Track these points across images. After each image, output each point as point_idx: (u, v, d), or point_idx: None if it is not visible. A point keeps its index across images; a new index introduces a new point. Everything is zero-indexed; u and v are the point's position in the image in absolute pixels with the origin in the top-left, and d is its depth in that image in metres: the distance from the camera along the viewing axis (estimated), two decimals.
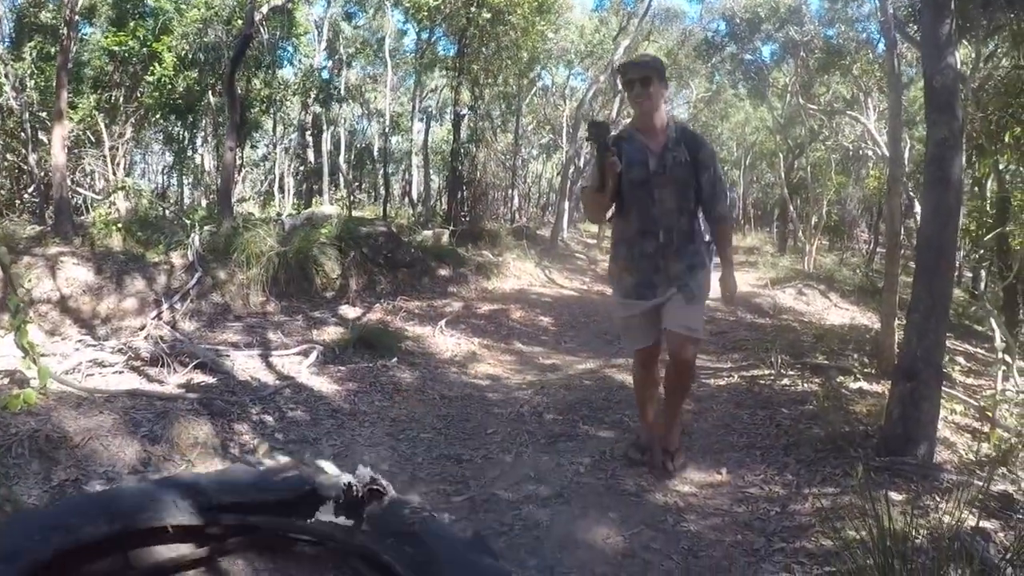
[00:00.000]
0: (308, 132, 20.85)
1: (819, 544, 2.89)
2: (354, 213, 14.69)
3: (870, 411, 4.56)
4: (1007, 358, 5.36)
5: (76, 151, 12.20)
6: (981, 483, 3.40)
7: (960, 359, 6.95)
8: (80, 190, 11.52)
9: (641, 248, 3.59)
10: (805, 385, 5.33)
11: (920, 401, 3.74)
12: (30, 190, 11.98)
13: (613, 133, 3.68)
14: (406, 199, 23.46)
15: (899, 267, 6.60)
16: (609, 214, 3.72)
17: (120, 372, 5.00)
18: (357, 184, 26.00)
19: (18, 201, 12.03)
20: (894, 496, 3.21)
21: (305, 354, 5.77)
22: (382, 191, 19.46)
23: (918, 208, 6.95)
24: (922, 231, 4.05)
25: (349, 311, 7.68)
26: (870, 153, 16.25)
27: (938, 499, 3.25)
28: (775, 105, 20.55)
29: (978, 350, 7.84)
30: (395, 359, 5.84)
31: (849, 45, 15.35)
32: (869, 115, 15.27)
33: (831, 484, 3.48)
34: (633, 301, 3.64)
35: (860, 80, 15.53)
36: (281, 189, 20.84)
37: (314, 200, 18.80)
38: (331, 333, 6.68)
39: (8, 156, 12.05)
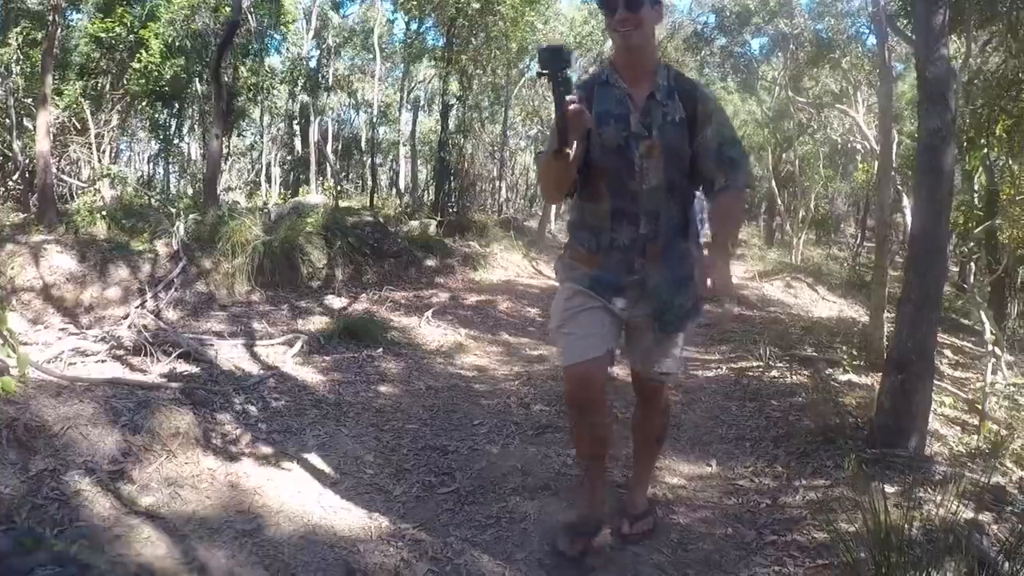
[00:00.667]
0: (295, 121, 20.73)
1: (811, 537, 2.85)
2: (341, 203, 14.58)
3: (860, 403, 4.53)
4: (997, 351, 5.36)
5: (61, 138, 12.07)
6: (974, 475, 3.39)
7: (947, 352, 6.95)
8: (65, 177, 11.39)
9: (613, 238, 2.56)
10: (794, 377, 5.30)
11: (911, 393, 3.72)
12: (14, 177, 11.83)
13: (586, 76, 2.66)
14: (393, 189, 23.36)
15: (888, 260, 6.59)
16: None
17: (103, 361, 4.91)
18: (344, 174, 25.88)
19: (2, 188, 11.88)
20: (886, 488, 3.18)
21: (290, 344, 5.69)
22: (369, 182, 19.34)
23: (906, 202, 6.95)
24: (915, 222, 4.03)
25: (335, 301, 7.60)
26: (858, 147, 16.27)
27: (930, 491, 3.22)
28: (764, 99, 20.54)
29: (965, 343, 7.85)
30: (381, 349, 5.77)
31: (839, 39, 15.34)
32: (858, 108, 15.27)
33: (822, 476, 3.45)
34: (585, 290, 2.60)
35: (849, 74, 15.53)
36: (268, 179, 20.72)
37: (301, 190, 18.68)
38: (316, 323, 6.60)
39: None
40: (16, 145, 10.98)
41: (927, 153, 3.80)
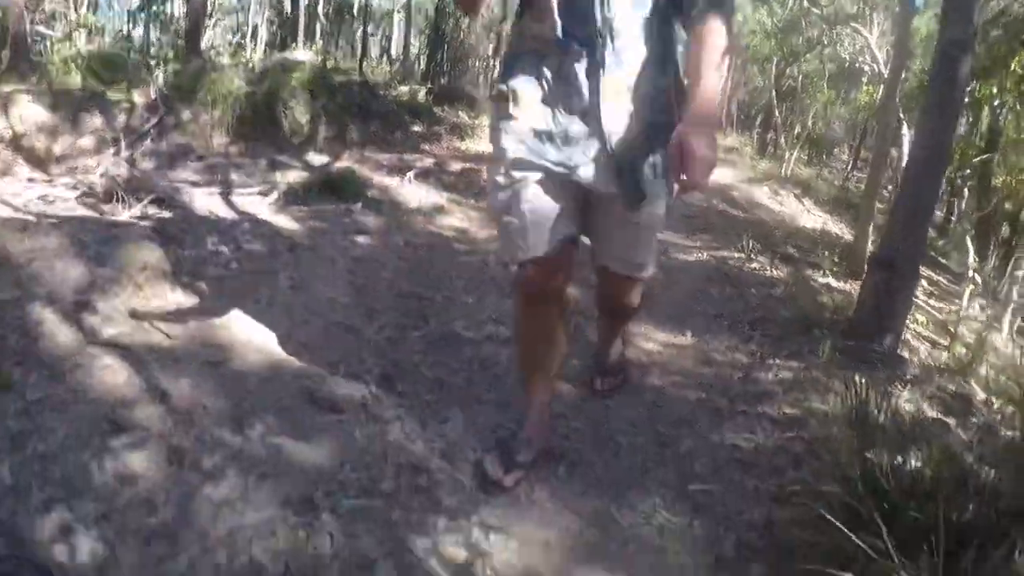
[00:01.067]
0: None
1: (782, 412, 2.87)
2: (329, 65, 14.10)
3: (838, 305, 4.53)
4: (977, 277, 5.38)
5: None
6: (943, 382, 3.44)
7: (923, 283, 6.97)
8: (41, 29, 10.80)
9: (561, 63, 1.88)
10: (774, 272, 5.30)
11: (895, 292, 3.74)
12: None
13: None
14: (384, 57, 22.69)
15: (883, 176, 6.53)
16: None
17: (73, 208, 4.80)
18: (334, 40, 25.04)
19: None
20: (859, 379, 3.19)
21: (266, 194, 5.58)
22: (359, 49, 18.71)
23: (905, 130, 6.91)
24: (922, 126, 4.00)
25: (316, 158, 7.42)
26: (866, 68, 15.95)
27: (901, 388, 3.25)
28: (775, 10, 19.97)
29: (941, 279, 7.88)
30: (360, 204, 5.64)
31: None
32: (872, 30, 14.90)
33: (797, 359, 3.45)
34: (531, 160, 1.94)
35: None
36: (253, 38, 19.96)
37: (288, 49, 18.04)
38: (296, 177, 6.45)
39: None
40: None
41: (944, 61, 3.76)
